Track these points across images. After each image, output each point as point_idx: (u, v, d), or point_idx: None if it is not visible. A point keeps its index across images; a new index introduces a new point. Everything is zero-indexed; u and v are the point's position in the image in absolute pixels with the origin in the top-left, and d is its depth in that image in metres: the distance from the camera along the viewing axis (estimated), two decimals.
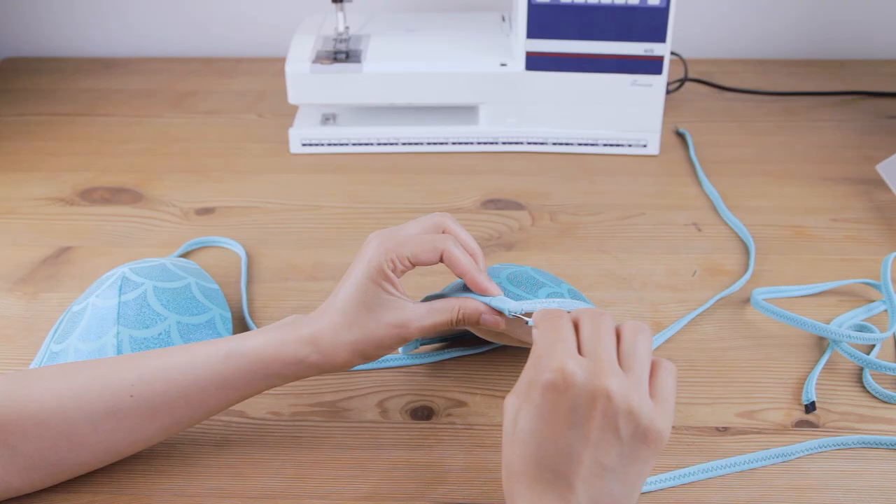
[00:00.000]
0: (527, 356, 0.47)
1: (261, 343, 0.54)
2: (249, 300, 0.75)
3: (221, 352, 0.54)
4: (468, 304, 0.55)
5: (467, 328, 0.62)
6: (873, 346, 0.68)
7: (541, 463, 0.43)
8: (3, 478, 0.51)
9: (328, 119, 1.01)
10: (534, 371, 0.45)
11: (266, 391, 0.57)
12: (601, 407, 0.43)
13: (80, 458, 0.53)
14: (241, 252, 0.80)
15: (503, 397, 0.64)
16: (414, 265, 0.54)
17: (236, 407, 0.63)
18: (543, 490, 0.43)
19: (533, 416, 0.44)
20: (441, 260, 0.54)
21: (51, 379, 0.53)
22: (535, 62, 0.94)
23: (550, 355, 0.44)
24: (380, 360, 0.66)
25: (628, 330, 0.47)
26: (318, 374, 0.55)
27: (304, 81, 0.95)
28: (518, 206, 0.88)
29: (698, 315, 0.72)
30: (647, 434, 0.43)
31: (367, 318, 0.53)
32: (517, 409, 0.45)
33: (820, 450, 0.59)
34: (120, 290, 0.65)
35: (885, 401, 0.63)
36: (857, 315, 0.72)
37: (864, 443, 0.59)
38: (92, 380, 0.52)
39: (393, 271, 0.54)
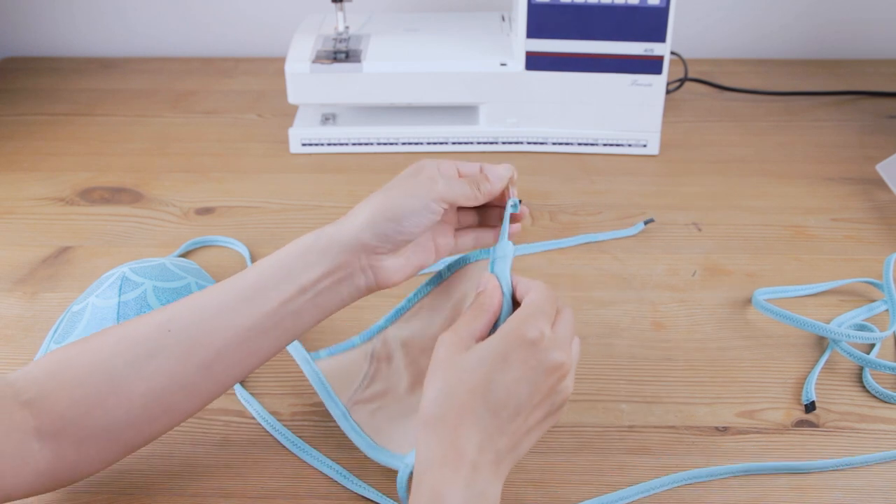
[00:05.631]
0: None
1: (285, 246, 0.55)
2: None
3: (248, 268, 0.55)
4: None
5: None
6: (873, 345, 0.68)
7: (486, 400, 0.47)
8: (56, 454, 0.50)
9: (328, 119, 1.01)
10: (518, 322, 0.48)
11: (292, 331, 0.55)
12: (555, 379, 0.48)
13: (129, 415, 0.51)
14: (244, 250, 0.80)
15: None
16: (459, 170, 0.58)
17: (236, 407, 0.63)
18: (477, 424, 0.46)
19: (498, 358, 0.47)
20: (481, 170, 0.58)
21: (89, 340, 0.53)
22: (535, 62, 0.94)
23: (538, 317, 0.49)
24: None
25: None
26: (337, 257, 0.54)
27: (304, 81, 0.95)
28: None
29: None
30: (559, 415, 0.51)
31: (399, 181, 0.56)
32: (466, 346, 0.49)
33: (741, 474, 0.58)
34: (120, 289, 0.65)
35: (885, 400, 0.63)
36: (858, 315, 0.72)
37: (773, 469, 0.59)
38: (128, 327, 0.53)
39: (437, 166, 0.56)
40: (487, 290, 0.52)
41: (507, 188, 0.59)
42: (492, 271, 0.53)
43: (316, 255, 0.53)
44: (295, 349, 0.65)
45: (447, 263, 0.59)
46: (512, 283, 0.53)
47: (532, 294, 0.51)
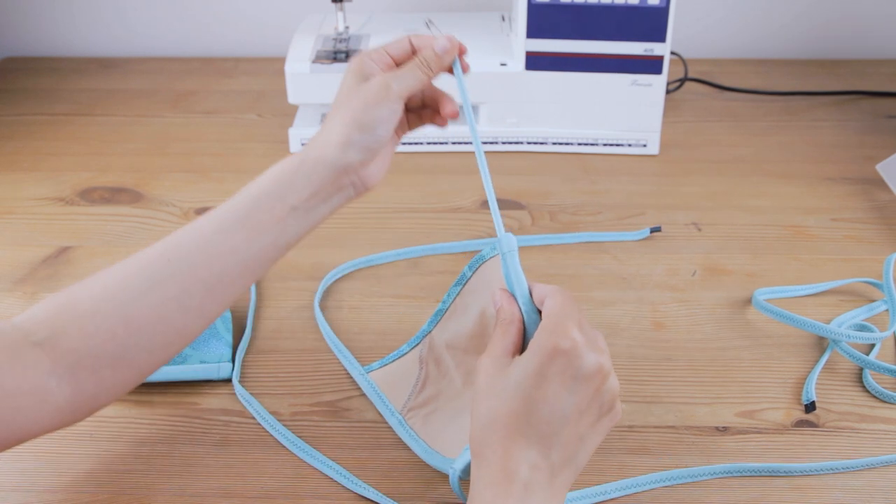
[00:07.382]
0: None
1: (269, 170, 0.58)
2: (249, 300, 0.75)
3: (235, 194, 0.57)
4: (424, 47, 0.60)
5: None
6: (873, 345, 0.68)
7: (530, 419, 0.46)
8: (74, 387, 0.51)
9: None
10: (547, 334, 0.47)
11: (289, 246, 0.58)
12: (598, 382, 0.47)
13: (141, 343, 0.53)
14: None
15: None
16: (389, 55, 0.59)
17: (236, 407, 0.63)
18: (525, 444, 0.46)
19: (535, 375, 0.46)
20: (411, 45, 0.60)
21: (94, 277, 0.54)
22: (535, 62, 0.94)
23: (566, 325, 0.48)
24: None
25: None
26: (325, 177, 0.57)
27: (304, 81, 0.95)
28: (518, 206, 0.88)
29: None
30: (615, 414, 0.49)
31: (355, 93, 0.58)
32: (504, 366, 0.48)
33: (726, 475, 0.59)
34: None
35: (885, 400, 0.63)
36: (858, 315, 0.72)
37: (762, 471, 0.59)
38: (129, 262, 0.54)
39: (370, 59, 0.58)
40: (503, 305, 0.52)
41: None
42: (504, 268, 0.53)
43: (303, 178, 0.57)
44: (349, 363, 0.67)
45: (468, 265, 0.61)
46: (527, 285, 0.53)
47: (550, 301, 0.50)
